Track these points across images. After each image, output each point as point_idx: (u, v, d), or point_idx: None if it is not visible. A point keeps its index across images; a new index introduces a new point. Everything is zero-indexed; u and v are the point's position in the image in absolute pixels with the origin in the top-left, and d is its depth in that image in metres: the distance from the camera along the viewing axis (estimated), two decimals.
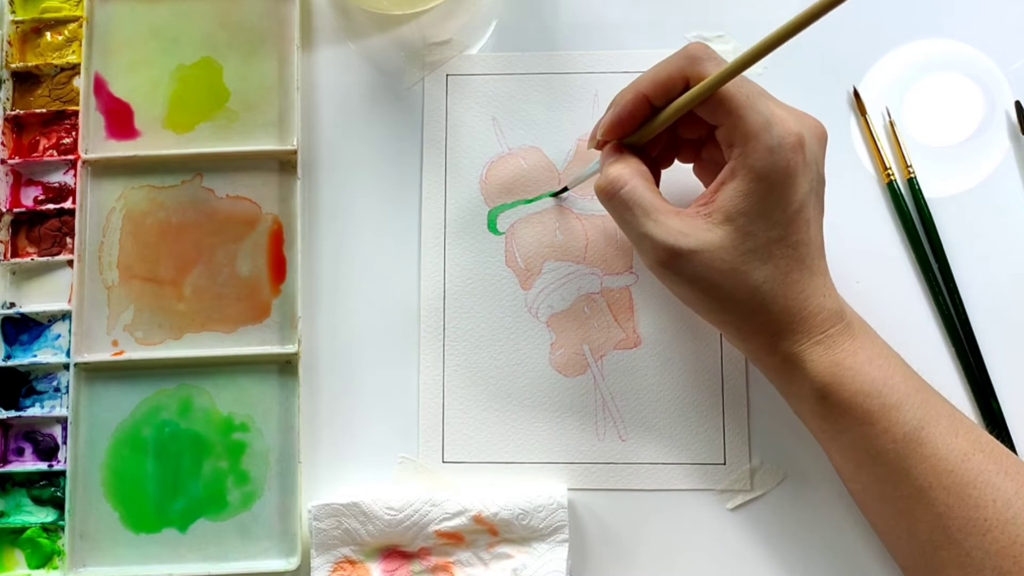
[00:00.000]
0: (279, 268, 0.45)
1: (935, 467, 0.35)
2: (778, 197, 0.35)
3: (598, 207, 0.46)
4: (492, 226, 0.46)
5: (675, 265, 0.36)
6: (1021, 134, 0.46)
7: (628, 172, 0.37)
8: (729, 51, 0.47)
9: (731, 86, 0.35)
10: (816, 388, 0.37)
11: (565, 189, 0.45)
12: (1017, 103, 0.46)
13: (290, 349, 0.43)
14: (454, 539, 0.41)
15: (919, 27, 0.47)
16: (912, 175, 0.45)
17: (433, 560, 0.42)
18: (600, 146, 0.39)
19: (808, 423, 0.39)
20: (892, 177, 0.45)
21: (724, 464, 0.43)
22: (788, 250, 0.36)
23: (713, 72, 0.35)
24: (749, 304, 0.37)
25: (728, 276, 0.36)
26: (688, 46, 0.37)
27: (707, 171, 0.41)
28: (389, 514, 0.41)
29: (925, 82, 0.47)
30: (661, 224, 0.36)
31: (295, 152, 0.45)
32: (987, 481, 0.35)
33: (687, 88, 0.36)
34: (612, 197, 0.37)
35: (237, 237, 0.45)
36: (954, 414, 0.37)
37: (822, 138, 0.38)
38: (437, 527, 0.41)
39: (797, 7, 0.31)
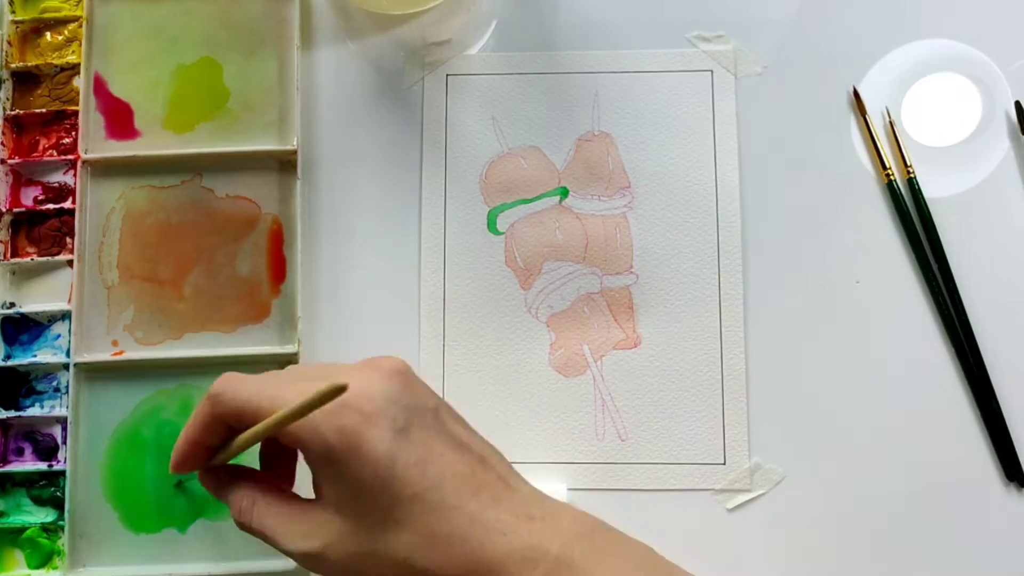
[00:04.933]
0: (279, 268, 0.45)
1: None
2: (354, 470, 0.30)
3: (598, 207, 0.46)
4: (492, 226, 0.46)
5: (322, 567, 0.32)
6: (1021, 134, 0.46)
7: (248, 499, 0.33)
8: (729, 51, 0.47)
9: (258, 406, 0.31)
10: None
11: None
12: (1017, 103, 0.46)
13: (290, 349, 0.43)
14: None
15: (919, 27, 0.47)
16: (912, 175, 0.45)
17: None
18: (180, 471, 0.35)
19: None
20: (892, 177, 0.45)
21: (724, 464, 0.43)
22: (413, 507, 0.30)
23: (233, 400, 0.32)
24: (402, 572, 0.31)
25: (368, 559, 0.31)
26: (208, 397, 0.33)
27: None
28: None
29: (925, 82, 0.47)
30: (289, 536, 0.32)
31: (295, 152, 0.45)
32: None
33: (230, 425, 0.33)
34: (248, 529, 0.34)
35: (237, 237, 0.45)
36: None
37: (395, 375, 0.32)
38: None
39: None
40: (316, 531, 0.32)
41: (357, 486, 0.31)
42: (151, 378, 0.44)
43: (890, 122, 0.46)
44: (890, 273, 0.45)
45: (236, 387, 0.32)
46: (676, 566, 0.33)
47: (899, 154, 0.45)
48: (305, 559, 0.32)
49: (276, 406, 0.31)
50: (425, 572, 0.30)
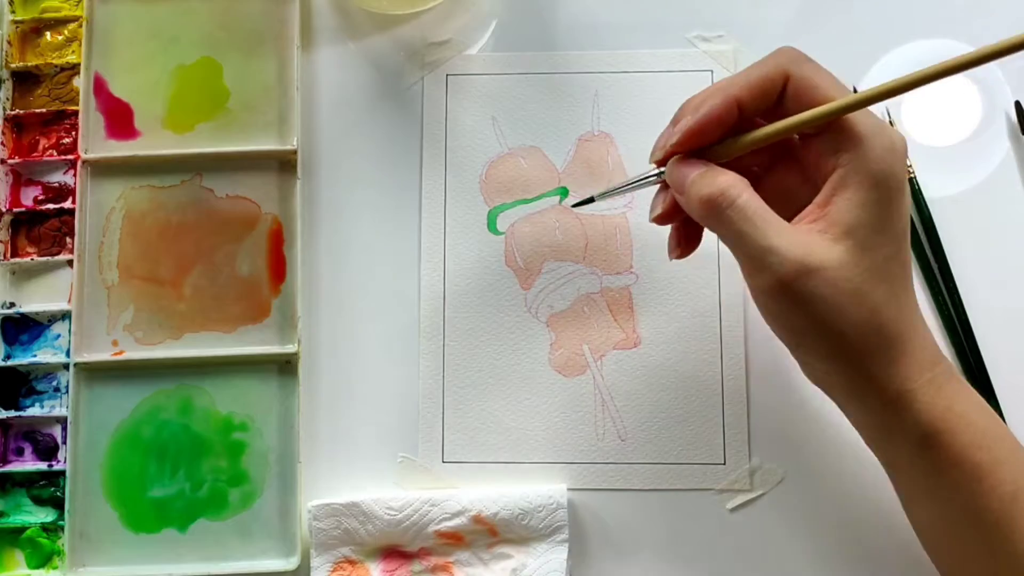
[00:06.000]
0: (279, 268, 0.45)
1: None
2: (895, 206, 0.32)
3: (598, 207, 0.45)
4: (492, 226, 0.46)
5: (801, 284, 0.32)
6: (1021, 134, 0.46)
7: (740, 182, 0.33)
8: (729, 51, 0.47)
9: (836, 89, 0.33)
10: (925, 435, 0.33)
11: (591, 200, 0.40)
12: (1017, 103, 0.46)
13: (290, 349, 0.43)
14: (454, 539, 0.41)
15: (919, 27, 0.47)
16: (912, 175, 0.45)
17: (433, 560, 0.42)
18: (668, 155, 0.35)
19: (902, 474, 0.36)
20: None
21: (724, 464, 0.43)
22: (899, 268, 0.33)
23: (813, 73, 0.33)
24: (866, 328, 0.32)
25: (851, 297, 0.32)
26: (781, 50, 0.34)
27: (772, 187, 0.37)
28: (389, 514, 0.41)
29: None
30: (786, 237, 0.32)
31: (295, 152, 0.45)
32: None
33: (784, 90, 0.34)
34: (726, 210, 0.33)
35: (237, 237, 0.45)
36: None
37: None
38: (437, 527, 0.41)
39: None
40: (816, 249, 0.32)
41: (883, 220, 0.32)
42: (151, 378, 0.44)
43: (890, 122, 0.46)
44: None
45: (806, 68, 0.34)
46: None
47: None
48: (796, 270, 0.32)
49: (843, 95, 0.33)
50: (881, 325, 0.32)
